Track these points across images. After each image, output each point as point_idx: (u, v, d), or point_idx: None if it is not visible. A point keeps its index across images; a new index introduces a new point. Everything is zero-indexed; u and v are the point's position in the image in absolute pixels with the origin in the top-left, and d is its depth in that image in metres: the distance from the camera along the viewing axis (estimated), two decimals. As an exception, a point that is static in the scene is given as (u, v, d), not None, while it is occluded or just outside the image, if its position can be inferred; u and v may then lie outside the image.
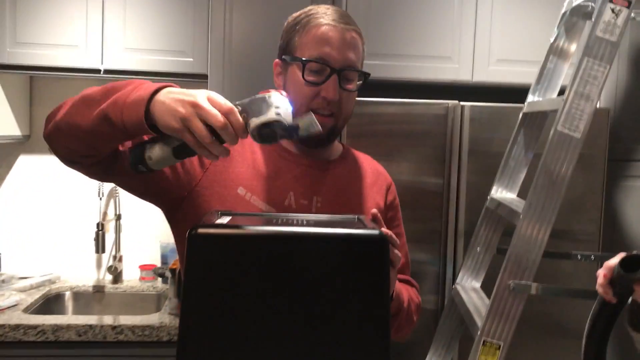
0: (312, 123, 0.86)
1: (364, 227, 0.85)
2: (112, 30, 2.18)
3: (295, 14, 1.14)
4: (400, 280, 1.18)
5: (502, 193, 1.49)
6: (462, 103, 1.95)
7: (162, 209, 1.12)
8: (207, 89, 2.08)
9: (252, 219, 0.93)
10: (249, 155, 1.10)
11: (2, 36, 2.14)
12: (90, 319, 1.98)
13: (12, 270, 2.45)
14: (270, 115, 0.82)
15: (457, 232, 1.95)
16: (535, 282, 1.21)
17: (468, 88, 2.13)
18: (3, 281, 2.31)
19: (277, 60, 1.15)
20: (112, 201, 2.51)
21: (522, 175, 1.48)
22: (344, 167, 1.19)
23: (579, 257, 1.49)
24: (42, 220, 2.51)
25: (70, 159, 0.97)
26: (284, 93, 0.85)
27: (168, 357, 1.92)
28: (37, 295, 2.26)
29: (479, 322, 1.26)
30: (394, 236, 0.93)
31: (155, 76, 2.19)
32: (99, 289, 2.43)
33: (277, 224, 0.86)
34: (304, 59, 1.07)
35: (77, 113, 0.90)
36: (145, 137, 0.89)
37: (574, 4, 1.38)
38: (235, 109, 0.82)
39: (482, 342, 1.24)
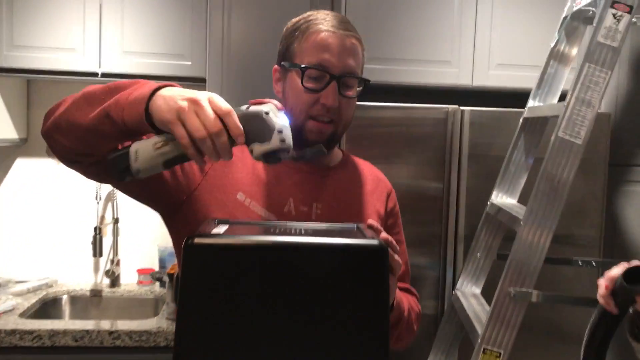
0: (319, 150, 0.87)
1: (363, 236, 0.84)
2: (110, 33, 2.17)
3: (294, 20, 1.13)
4: (400, 289, 1.16)
5: (503, 198, 1.48)
6: (462, 108, 1.94)
7: (161, 213, 1.11)
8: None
9: (250, 228, 0.92)
10: (249, 161, 1.09)
11: (-1, 39, 2.13)
12: (87, 324, 1.96)
13: (8, 274, 2.43)
14: (274, 143, 0.80)
15: (457, 236, 1.94)
16: (536, 288, 1.20)
17: (468, 92, 2.12)
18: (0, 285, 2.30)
19: (276, 66, 1.14)
20: (109, 204, 2.50)
21: (523, 181, 1.48)
22: (344, 173, 1.18)
23: (580, 263, 1.48)
24: (39, 224, 2.49)
25: (69, 158, 0.96)
26: (278, 104, 0.83)
27: (165, 362, 1.91)
28: (33, 299, 2.25)
29: (479, 330, 1.25)
30: (393, 242, 0.92)
31: (153, 80, 2.17)
32: (96, 293, 2.42)
33: (275, 234, 0.85)
34: (302, 65, 1.06)
35: (78, 110, 0.89)
36: (145, 137, 0.87)
37: (575, 8, 1.37)
38: (234, 112, 0.81)
39: (482, 350, 1.23)
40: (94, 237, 2.44)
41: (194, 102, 0.79)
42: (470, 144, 1.93)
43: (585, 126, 1.19)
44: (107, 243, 2.50)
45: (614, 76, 2.07)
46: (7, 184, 2.48)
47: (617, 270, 1.04)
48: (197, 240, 0.76)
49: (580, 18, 1.39)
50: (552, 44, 1.44)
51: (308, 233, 0.86)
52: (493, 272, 1.47)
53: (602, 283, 1.05)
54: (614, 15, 1.18)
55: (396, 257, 0.90)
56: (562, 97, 1.29)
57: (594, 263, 1.53)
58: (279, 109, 0.83)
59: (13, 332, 1.89)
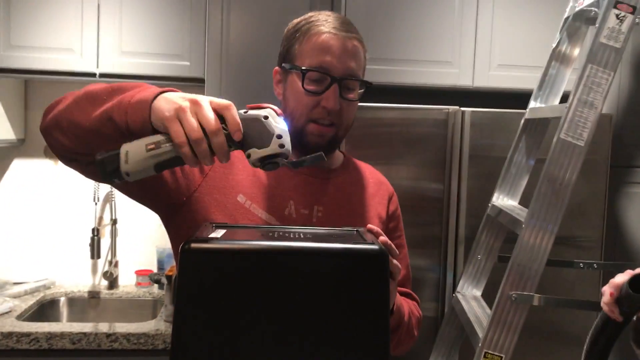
0: (318, 157, 0.84)
1: (363, 240, 0.83)
2: (108, 33, 2.16)
3: (295, 21, 1.12)
4: (401, 294, 1.15)
5: (504, 200, 1.47)
6: (462, 109, 1.93)
7: (160, 214, 1.09)
8: (204, 93, 2.08)
9: (247, 232, 0.91)
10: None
11: (-4, 39, 2.12)
12: (85, 327, 1.95)
13: (6, 276, 2.42)
14: (273, 148, 0.79)
15: (458, 238, 1.93)
16: (537, 290, 1.19)
17: (468, 93, 2.11)
18: (-3, 287, 2.29)
19: (276, 68, 1.13)
20: (107, 205, 2.49)
21: (524, 182, 1.47)
22: (345, 176, 1.17)
23: (582, 265, 1.47)
24: (37, 225, 2.48)
25: (67, 157, 0.94)
26: (277, 109, 0.82)
27: (163, 365, 1.90)
28: (31, 301, 2.23)
29: (480, 333, 1.24)
30: (393, 246, 0.91)
31: (151, 80, 2.17)
32: (94, 294, 2.41)
33: (273, 238, 0.84)
34: (303, 67, 1.05)
35: (79, 109, 0.87)
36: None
37: (577, 9, 1.36)
38: (234, 107, 0.79)
39: (483, 354, 1.21)
40: (92, 239, 2.42)
41: (194, 102, 0.78)
42: (471, 145, 1.92)
43: (587, 128, 1.18)
44: (105, 244, 2.49)
45: (616, 77, 2.05)
46: (4, 184, 2.46)
47: (622, 278, 1.03)
48: (193, 245, 0.75)
49: (583, 18, 1.38)
50: (554, 45, 1.43)
51: (307, 237, 0.85)
52: (494, 274, 1.47)
53: (607, 290, 1.04)
54: (616, 15, 1.16)
55: (395, 261, 0.89)
56: (564, 98, 1.28)
57: (595, 265, 1.51)
58: (278, 114, 0.81)
59: (10, 334, 1.87)
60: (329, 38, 1.05)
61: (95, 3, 2.15)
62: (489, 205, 1.46)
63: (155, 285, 2.44)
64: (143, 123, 0.81)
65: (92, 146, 0.87)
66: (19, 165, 2.46)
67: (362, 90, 1.10)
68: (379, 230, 0.91)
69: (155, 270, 2.48)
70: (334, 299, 0.76)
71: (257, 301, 0.75)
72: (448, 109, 1.92)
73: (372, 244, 0.79)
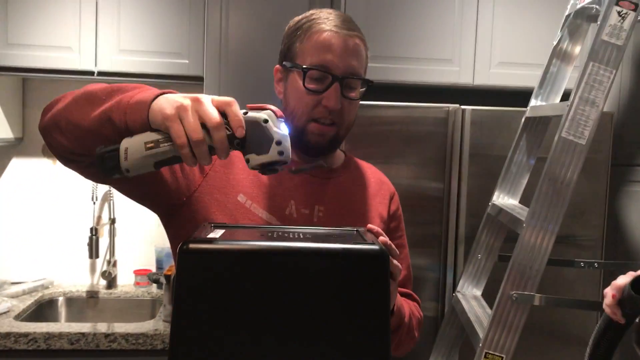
0: (318, 165, 0.85)
1: (363, 240, 0.82)
2: (106, 31, 2.15)
3: (296, 18, 1.11)
4: (402, 294, 1.14)
5: (504, 199, 1.46)
6: (462, 107, 1.92)
7: (159, 214, 1.08)
8: (203, 91, 2.07)
9: (246, 232, 0.90)
10: None
11: (-7, 37, 2.10)
12: (83, 327, 1.94)
13: (4, 275, 2.41)
14: (272, 155, 0.77)
15: (458, 237, 1.92)
16: (538, 289, 1.18)
17: (469, 91, 2.10)
18: (-5, 287, 2.28)
19: (277, 66, 1.12)
20: (106, 205, 2.48)
21: (524, 181, 1.46)
22: (346, 176, 1.16)
23: (583, 264, 1.46)
24: (35, 224, 2.47)
25: (66, 157, 0.93)
26: (278, 111, 0.80)
27: (162, 365, 1.89)
28: (29, 301, 2.22)
29: (481, 333, 1.23)
30: (393, 246, 0.90)
31: (150, 78, 2.16)
32: (92, 294, 2.40)
33: (272, 239, 0.83)
34: (304, 66, 1.03)
35: (78, 109, 0.86)
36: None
37: (578, 6, 1.35)
38: (236, 103, 0.78)
39: (484, 355, 1.21)
40: (90, 238, 2.41)
41: (196, 100, 0.77)
42: (471, 143, 1.91)
43: (589, 126, 1.17)
44: (103, 244, 2.48)
45: (617, 75, 2.05)
46: (2, 184, 2.45)
47: (624, 280, 1.02)
48: (192, 245, 0.74)
49: (584, 16, 1.37)
50: (555, 42, 1.42)
51: (306, 238, 0.84)
52: (494, 274, 1.46)
53: (609, 292, 1.03)
54: (618, 12, 1.15)
55: (395, 262, 0.88)
56: (565, 96, 1.27)
57: (596, 265, 1.51)
58: (278, 116, 0.80)
59: (8, 335, 1.86)
60: (330, 36, 1.04)
61: (94, 1, 2.14)
62: (490, 204, 1.45)
63: (154, 285, 2.44)
64: (142, 124, 0.80)
65: (91, 146, 0.86)
66: (17, 165, 2.45)
67: (364, 89, 1.09)
68: (379, 230, 0.90)
69: (154, 269, 2.48)
70: (333, 299, 0.75)
71: (256, 302, 0.74)
72: (448, 107, 1.91)
73: (373, 244, 0.78)
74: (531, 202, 1.19)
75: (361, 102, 1.13)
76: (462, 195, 1.92)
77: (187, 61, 2.18)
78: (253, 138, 0.78)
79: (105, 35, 2.15)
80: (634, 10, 1.15)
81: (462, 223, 1.92)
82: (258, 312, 0.74)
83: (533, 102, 1.44)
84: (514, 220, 1.26)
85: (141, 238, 2.51)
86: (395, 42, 2.02)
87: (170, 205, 1.04)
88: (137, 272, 2.46)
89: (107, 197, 2.47)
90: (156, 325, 1.99)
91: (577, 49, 1.42)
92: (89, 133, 0.85)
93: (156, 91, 0.83)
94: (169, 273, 2.11)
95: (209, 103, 0.77)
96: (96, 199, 2.45)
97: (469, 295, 1.49)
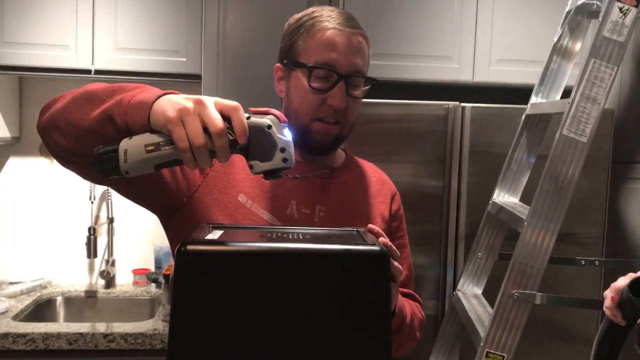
0: (322, 173, 0.85)
1: (363, 241, 0.81)
2: (103, 29, 2.13)
3: (297, 16, 1.09)
4: (403, 295, 1.13)
5: (504, 197, 1.45)
6: (462, 104, 1.91)
7: (158, 215, 1.07)
8: (200, 89, 2.06)
9: (245, 233, 0.89)
10: None
11: (-11, 36, 2.09)
12: (82, 327, 1.93)
13: (2, 276, 2.40)
14: (276, 162, 0.77)
15: (458, 235, 1.92)
16: (538, 288, 1.17)
17: (469, 88, 2.09)
18: (-7, 287, 2.27)
19: (278, 64, 1.10)
20: (104, 204, 2.47)
21: (525, 179, 1.45)
22: (347, 175, 1.15)
23: (583, 262, 1.45)
24: (32, 224, 2.46)
25: (65, 158, 0.91)
26: (282, 116, 0.79)
27: (161, 365, 1.88)
28: (27, 301, 2.21)
29: (482, 332, 1.22)
30: (394, 247, 0.89)
31: (148, 77, 2.15)
32: (91, 294, 2.39)
33: (271, 240, 0.82)
34: (309, 65, 1.02)
35: (78, 109, 0.85)
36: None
37: (579, 2, 1.34)
38: (241, 109, 0.77)
39: (485, 354, 1.20)
40: (88, 238, 2.40)
41: (199, 103, 0.76)
42: (471, 141, 1.90)
43: (590, 124, 1.16)
44: (101, 243, 2.46)
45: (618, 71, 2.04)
46: (-1, 183, 2.44)
47: (622, 282, 1.02)
48: (190, 247, 0.73)
49: (585, 12, 1.36)
50: (555, 39, 1.41)
51: (306, 238, 0.83)
52: (493, 272, 1.45)
53: (608, 294, 1.02)
54: (620, 9, 1.14)
55: (396, 263, 0.87)
56: (566, 93, 1.26)
57: (597, 262, 1.50)
58: (281, 122, 0.79)
59: (6, 335, 1.85)
60: (334, 34, 1.02)
61: (90, -1, 2.13)
62: (490, 202, 1.44)
63: (153, 284, 2.43)
64: (142, 125, 0.79)
65: (90, 147, 0.85)
66: (14, 164, 2.44)
67: (367, 87, 1.08)
68: (380, 230, 0.89)
69: (152, 269, 2.47)
70: (333, 301, 0.74)
71: (255, 304, 0.73)
72: (448, 104, 1.90)
73: (373, 244, 0.77)
74: (532, 201, 1.18)
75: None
76: (462, 193, 1.91)
77: (184, 59, 2.17)
78: (256, 144, 0.77)
79: (102, 33, 2.13)
80: (636, 6, 1.14)
81: (462, 221, 1.91)
82: (257, 314, 0.73)
83: (533, 99, 1.43)
84: (515, 218, 1.25)
85: (139, 237, 2.49)
86: (395, 39, 2.01)
87: (170, 206, 1.03)
88: (136, 272, 2.45)
89: (105, 197, 2.46)
90: (155, 324, 1.98)
91: (578, 46, 1.41)
92: (88, 133, 0.84)
93: (158, 92, 0.81)
94: (168, 272, 2.10)
95: (213, 107, 0.75)
96: (94, 198, 2.44)
97: (470, 293, 1.48)
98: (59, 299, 2.36)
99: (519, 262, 1.18)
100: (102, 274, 2.42)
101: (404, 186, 1.82)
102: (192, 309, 0.73)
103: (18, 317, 2.06)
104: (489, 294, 1.38)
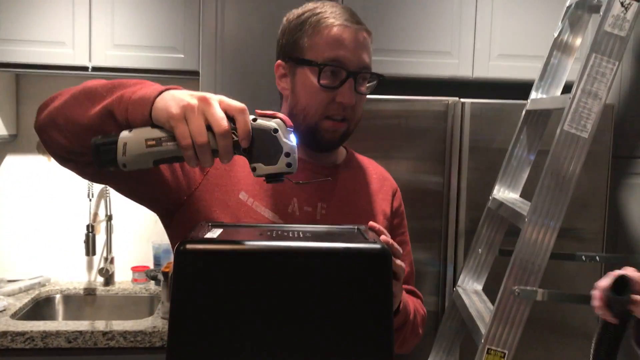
0: (325, 180, 0.87)
1: (365, 239, 0.80)
2: (100, 26, 2.12)
3: (297, 12, 1.08)
4: (405, 291, 1.13)
5: (505, 193, 1.45)
6: (462, 100, 1.90)
7: (158, 214, 1.06)
8: (198, 86, 2.04)
9: (245, 231, 0.88)
10: None
11: (-15, 33, 2.07)
12: (80, 325, 1.93)
13: (0, 274, 2.39)
14: (280, 167, 0.76)
15: (458, 231, 1.91)
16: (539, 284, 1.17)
17: (468, 84, 2.08)
18: (-9, 285, 2.26)
19: (279, 61, 1.09)
20: (102, 202, 2.46)
21: (525, 175, 1.44)
22: (349, 172, 1.14)
23: (584, 258, 1.45)
24: (31, 222, 2.45)
25: (63, 156, 0.90)
26: (288, 120, 0.78)
27: (161, 363, 1.88)
28: (26, 299, 2.21)
29: (483, 329, 1.22)
30: (396, 245, 0.88)
31: (145, 73, 2.13)
32: (90, 291, 2.38)
33: (271, 238, 0.81)
34: (319, 62, 1.01)
35: (77, 106, 0.84)
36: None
37: (580, -4, 1.33)
38: (247, 111, 0.76)
39: (486, 350, 1.19)
40: (87, 235, 2.39)
41: (203, 100, 0.74)
42: (471, 137, 1.90)
43: (591, 119, 1.16)
44: (100, 241, 2.46)
45: (617, 66, 2.03)
46: (-3, 181, 2.43)
47: (606, 281, 1.03)
48: (189, 246, 0.72)
49: (585, 6, 1.35)
50: (556, 34, 1.40)
51: (306, 237, 0.82)
52: (493, 267, 1.45)
53: (596, 295, 1.03)
54: (621, 3, 1.13)
55: (398, 262, 0.86)
56: (566, 89, 1.26)
57: (597, 258, 1.50)
58: (287, 126, 0.78)
59: (4, 334, 1.85)
60: (341, 31, 1.02)
61: (87, -5, 2.11)
62: (490, 198, 1.43)
63: (152, 282, 2.42)
64: (143, 121, 0.77)
65: (89, 145, 0.84)
66: (11, 162, 2.43)
67: (373, 82, 1.07)
68: (381, 228, 0.88)
69: (151, 266, 2.46)
70: (334, 300, 0.73)
71: (255, 303, 0.72)
72: (447, 100, 1.89)
73: (374, 242, 0.76)
74: (533, 197, 1.17)
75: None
76: (462, 189, 1.90)
77: (182, 56, 2.16)
78: (261, 147, 0.76)
79: (100, 30, 2.12)
80: (638, 0, 1.13)
81: (462, 217, 1.91)
82: (257, 313, 0.72)
83: (534, 94, 1.42)
84: (515, 214, 1.25)
85: (138, 234, 2.49)
86: (393, 34, 2.00)
87: (170, 205, 1.02)
88: (135, 269, 2.45)
89: (103, 194, 2.45)
90: (154, 322, 1.98)
91: (578, 41, 1.40)
92: (88, 130, 0.82)
93: (159, 87, 0.80)
94: (167, 270, 2.09)
95: (218, 106, 0.74)
96: (92, 196, 2.43)
97: (470, 290, 1.48)
98: (58, 296, 2.35)
99: (520, 259, 1.17)
100: (101, 272, 2.41)
101: (403, 182, 1.80)
102: (192, 308, 0.72)
103: (17, 316, 2.05)
104: (489, 290, 1.38)
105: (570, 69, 1.41)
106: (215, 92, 0.78)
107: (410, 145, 1.89)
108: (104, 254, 2.47)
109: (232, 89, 1.98)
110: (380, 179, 1.18)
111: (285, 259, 0.73)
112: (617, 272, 1.03)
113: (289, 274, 0.72)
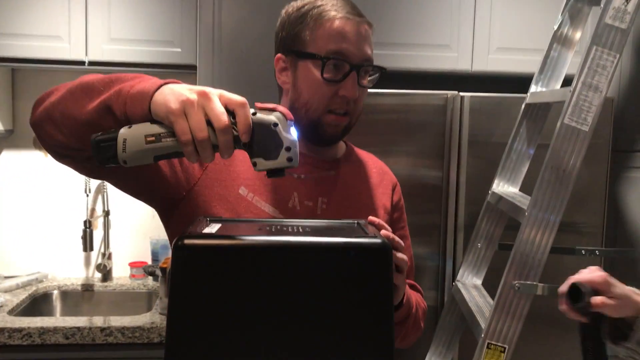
0: (328, 175, 0.83)
1: (365, 233, 0.79)
2: (96, 19, 2.10)
3: (296, 4, 1.06)
4: (406, 285, 1.13)
5: (504, 187, 1.44)
6: (461, 94, 1.89)
7: (157, 209, 1.05)
8: (196, 80, 2.03)
9: (243, 226, 0.87)
10: None
11: (-19, 27, 2.05)
12: (78, 321, 1.92)
13: (-3, 270, 2.38)
14: (281, 161, 0.76)
15: (457, 225, 1.91)
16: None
17: (467, 78, 2.07)
18: (-12, 281, 2.25)
19: (280, 55, 1.07)
20: (100, 197, 2.44)
21: (525, 169, 1.44)
22: (349, 166, 1.13)
23: (584, 252, 1.45)
24: (28, 218, 2.44)
25: (60, 152, 0.89)
26: (288, 113, 0.77)
27: (158, 359, 1.87)
28: (23, 295, 2.20)
29: (482, 323, 1.21)
30: (397, 238, 0.87)
31: (142, 67, 2.12)
32: (87, 287, 2.37)
33: (270, 233, 0.80)
34: (322, 55, 1.00)
35: (74, 101, 0.82)
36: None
37: (580, -11, 1.32)
38: (247, 105, 0.75)
39: (486, 345, 1.19)
40: (84, 231, 2.38)
41: (203, 95, 0.73)
42: (470, 131, 1.89)
43: (592, 112, 1.15)
44: (97, 236, 2.45)
45: (617, 59, 2.03)
46: (-7, 177, 2.42)
47: (565, 286, 1.06)
48: (187, 241, 0.71)
49: (586, -1, 1.34)
50: (555, 27, 1.39)
51: (306, 231, 0.81)
52: (493, 262, 1.44)
53: (561, 300, 1.05)
54: (622, -5, 1.12)
55: (400, 255, 0.85)
56: (565, 82, 1.25)
57: (597, 252, 1.50)
58: (288, 119, 0.77)
59: (1, 330, 1.84)
60: (344, 24, 1.01)
61: (82, -12, 2.09)
62: (489, 192, 1.43)
63: (150, 277, 2.41)
64: (142, 115, 0.76)
65: (88, 140, 0.83)
66: (7, 157, 2.41)
67: (375, 75, 1.07)
68: (381, 222, 0.88)
69: (149, 262, 2.45)
70: (334, 295, 0.73)
71: (254, 298, 0.71)
72: (446, 94, 1.88)
73: (375, 237, 0.75)
74: (533, 191, 1.16)
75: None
76: (461, 184, 1.90)
77: (179, 49, 2.14)
78: (261, 141, 0.75)
79: (96, 24, 2.10)
80: (639, -8, 1.12)
81: (461, 211, 1.90)
82: (256, 308, 0.71)
83: (533, 88, 1.41)
84: (515, 208, 1.24)
85: (136, 230, 2.48)
86: (392, 28, 1.98)
87: (169, 200, 1.01)
88: (133, 265, 2.44)
89: (100, 189, 2.44)
90: (152, 318, 1.97)
91: (578, 34, 1.39)
92: (86, 125, 0.81)
93: (158, 81, 0.79)
94: (165, 265, 2.08)
95: (217, 101, 0.73)
96: (89, 191, 2.42)
97: (469, 284, 1.48)
98: (55, 292, 2.34)
99: (520, 253, 1.17)
100: (99, 268, 2.40)
101: (402, 177, 1.79)
102: (190, 303, 0.71)
103: (14, 312, 2.05)
104: (488, 284, 1.37)
105: (570, 62, 1.40)
106: (213, 86, 0.77)
107: (409, 139, 1.88)
108: (102, 250, 2.46)
109: (229, 83, 1.97)
110: (380, 173, 1.18)
111: (284, 254, 0.72)
112: (573, 278, 1.05)
113: (288, 269, 0.72)
